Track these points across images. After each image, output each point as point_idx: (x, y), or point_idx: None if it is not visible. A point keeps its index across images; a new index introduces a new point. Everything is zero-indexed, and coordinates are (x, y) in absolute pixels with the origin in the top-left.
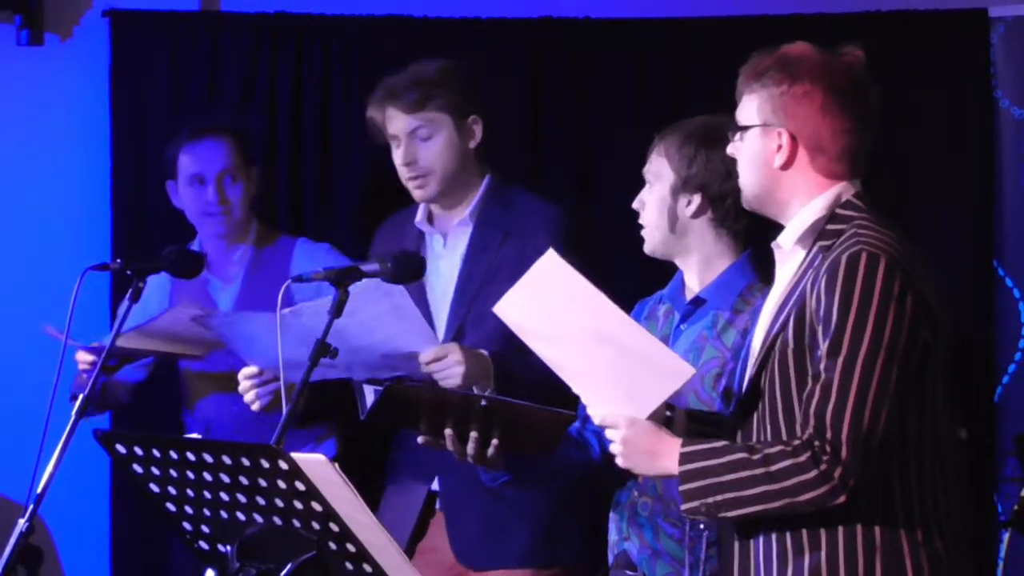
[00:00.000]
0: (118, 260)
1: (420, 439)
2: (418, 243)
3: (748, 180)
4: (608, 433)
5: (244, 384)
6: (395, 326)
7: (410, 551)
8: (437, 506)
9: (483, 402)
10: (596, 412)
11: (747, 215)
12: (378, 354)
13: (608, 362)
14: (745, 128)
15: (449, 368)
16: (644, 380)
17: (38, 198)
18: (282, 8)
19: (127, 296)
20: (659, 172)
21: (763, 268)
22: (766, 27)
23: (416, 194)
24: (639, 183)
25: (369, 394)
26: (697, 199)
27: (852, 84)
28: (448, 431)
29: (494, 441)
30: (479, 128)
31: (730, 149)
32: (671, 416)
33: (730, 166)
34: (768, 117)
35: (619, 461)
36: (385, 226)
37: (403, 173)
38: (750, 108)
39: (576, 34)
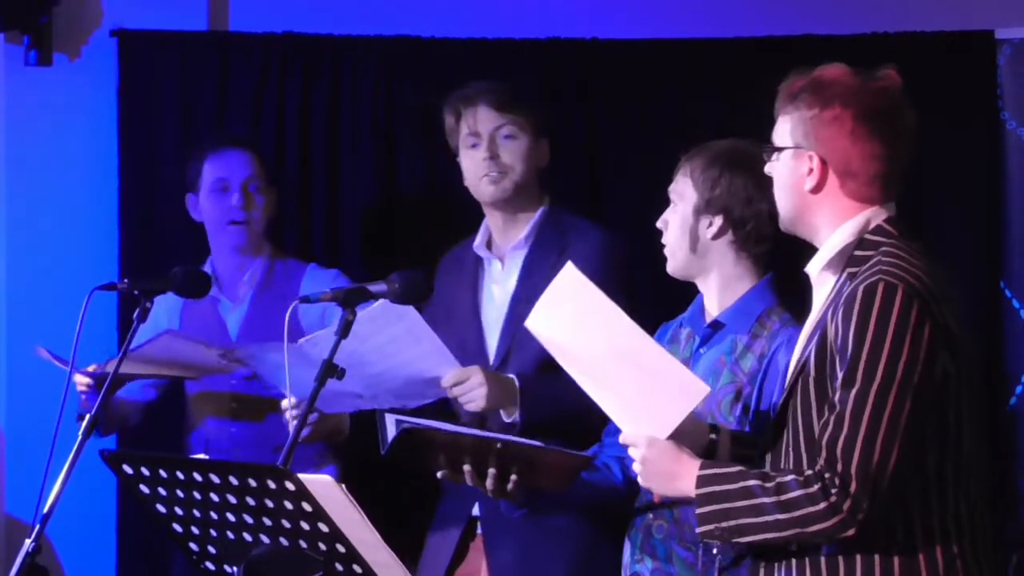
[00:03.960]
0: (125, 280)
1: (439, 474)
2: (476, 270)
3: (781, 202)
4: (630, 451)
5: (287, 415)
6: (412, 349)
7: (449, 575)
8: (478, 530)
9: (499, 444)
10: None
11: (768, 240)
12: (401, 380)
13: (628, 379)
14: (779, 149)
15: (472, 391)
16: (662, 398)
17: (46, 218)
18: (291, 28)
19: (135, 316)
20: (683, 192)
21: (784, 292)
22: (774, 48)
23: (488, 191)
24: (647, 202)
25: (391, 425)
26: (718, 221)
27: (884, 109)
28: (467, 468)
29: (513, 477)
30: (548, 151)
31: (767, 168)
32: (716, 439)
33: (752, 192)
34: (799, 140)
35: (639, 480)
36: (447, 258)
37: (481, 169)
38: (784, 130)
39: (584, 55)
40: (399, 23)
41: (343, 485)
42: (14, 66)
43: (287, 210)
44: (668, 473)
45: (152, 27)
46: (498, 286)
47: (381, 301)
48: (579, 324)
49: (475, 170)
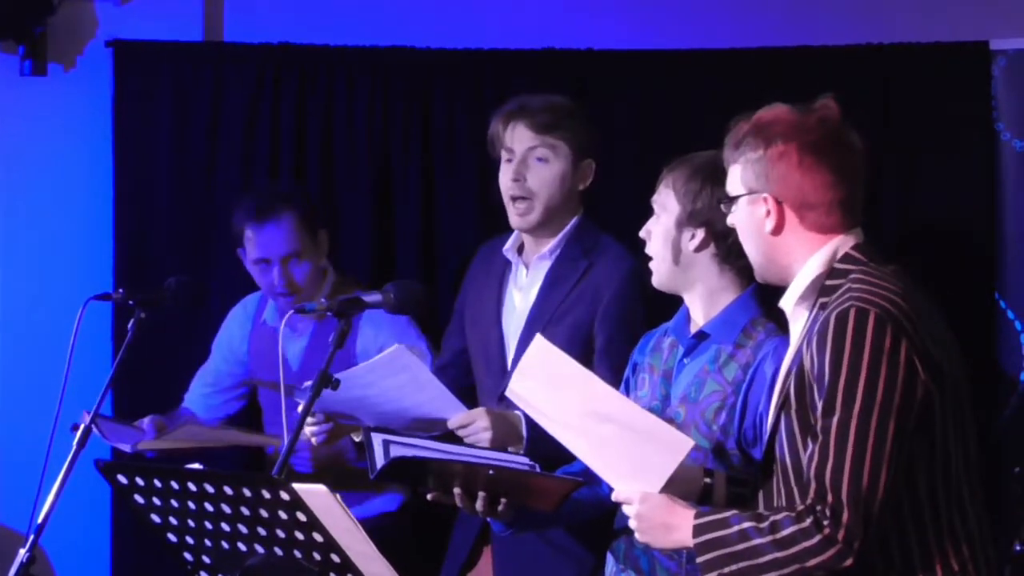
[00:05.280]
0: (120, 290)
1: (429, 496)
2: (504, 271)
3: (749, 251)
4: (624, 509)
5: (306, 431)
6: (417, 396)
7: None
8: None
9: (491, 471)
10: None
11: None
12: (408, 419)
13: (613, 440)
14: (735, 199)
15: (477, 434)
16: (648, 455)
17: (41, 227)
18: (286, 39)
19: (130, 327)
20: (665, 204)
21: (768, 303)
22: (768, 60)
23: (514, 221)
24: (640, 213)
25: (378, 445)
26: (700, 234)
27: (827, 138)
28: (457, 491)
29: (503, 500)
30: (591, 173)
31: (728, 221)
32: (711, 483)
33: None
34: (752, 184)
35: (636, 536)
36: (485, 247)
37: (509, 190)
38: (735, 178)
39: (579, 65)
40: (394, 33)
41: (337, 495)
42: (9, 76)
43: None
44: (664, 526)
45: (147, 37)
46: (520, 293)
47: (389, 351)
48: (557, 391)
49: (503, 187)
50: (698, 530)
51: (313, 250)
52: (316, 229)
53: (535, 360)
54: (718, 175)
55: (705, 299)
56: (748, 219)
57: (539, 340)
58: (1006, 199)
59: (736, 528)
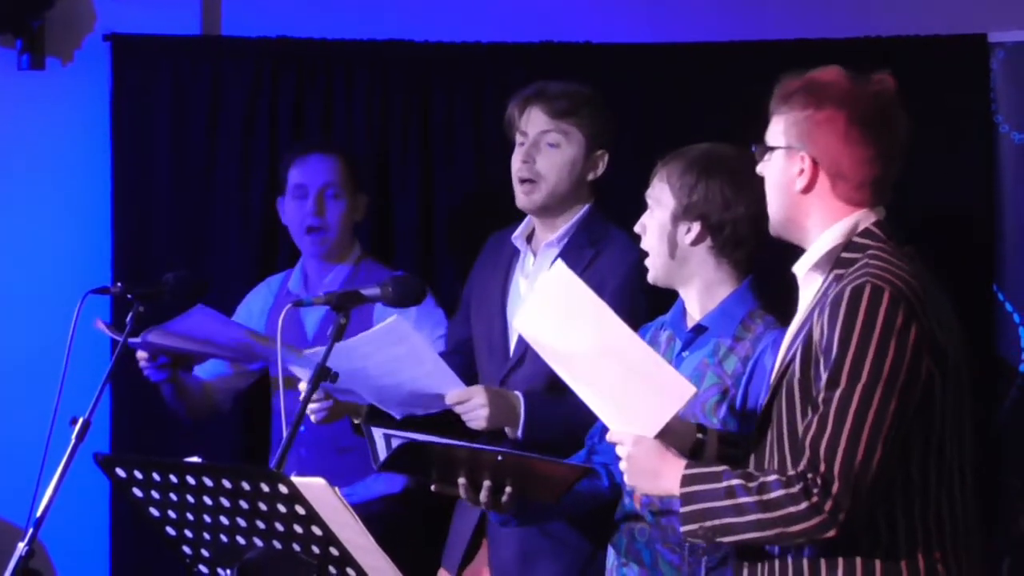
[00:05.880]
0: (118, 284)
1: (433, 487)
2: (511, 259)
3: (772, 202)
4: (617, 450)
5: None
6: (416, 368)
7: (460, 570)
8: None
9: (499, 457)
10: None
11: (746, 243)
12: (405, 393)
13: (616, 378)
14: (771, 149)
15: (473, 411)
16: (649, 397)
17: (39, 222)
18: (284, 33)
19: (129, 320)
20: (660, 198)
21: (764, 295)
22: (767, 52)
23: (520, 200)
24: (640, 209)
25: (379, 439)
26: (696, 227)
27: (877, 114)
28: (462, 481)
29: (507, 489)
30: (603, 164)
31: (759, 168)
32: (703, 439)
33: (729, 196)
34: (792, 140)
35: (625, 478)
36: (493, 237)
37: (518, 172)
38: (777, 130)
39: (577, 59)
40: (391, 27)
41: (336, 489)
42: (6, 70)
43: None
44: (653, 472)
45: (145, 31)
46: (527, 281)
47: (387, 322)
48: (568, 323)
49: (513, 169)
50: (686, 480)
51: (351, 196)
52: (358, 183)
53: (552, 288)
54: (713, 168)
55: (702, 292)
56: (780, 173)
57: (560, 266)
58: (1005, 192)
59: (724, 484)
